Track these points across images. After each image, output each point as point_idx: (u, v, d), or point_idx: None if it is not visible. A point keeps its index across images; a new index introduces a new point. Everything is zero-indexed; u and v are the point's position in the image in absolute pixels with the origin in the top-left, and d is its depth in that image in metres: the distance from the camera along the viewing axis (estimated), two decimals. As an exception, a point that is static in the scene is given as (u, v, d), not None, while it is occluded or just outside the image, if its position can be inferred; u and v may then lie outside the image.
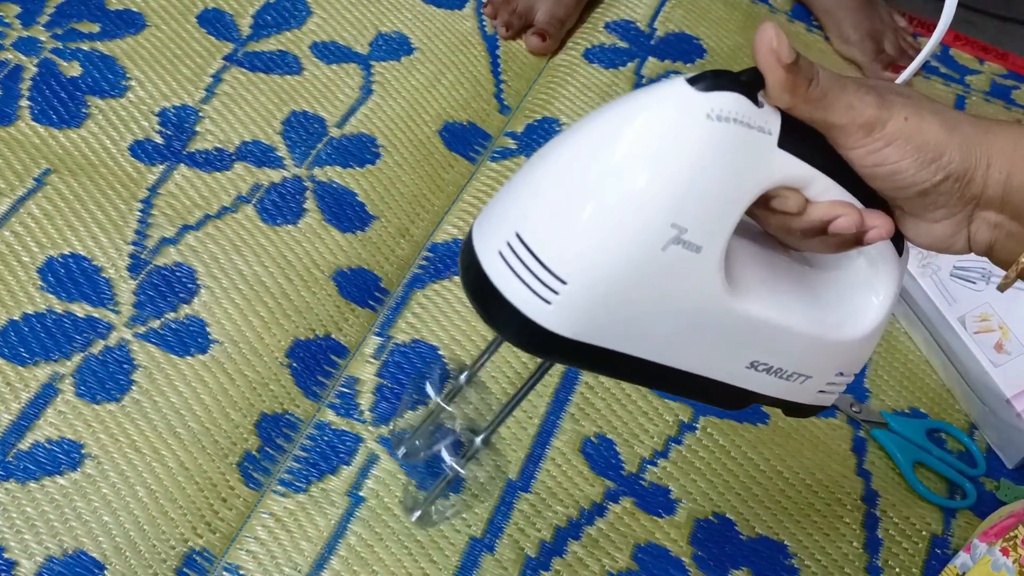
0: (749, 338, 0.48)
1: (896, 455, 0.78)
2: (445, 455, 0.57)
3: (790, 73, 0.43)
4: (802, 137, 0.45)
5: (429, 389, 0.60)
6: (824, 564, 0.73)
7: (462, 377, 0.58)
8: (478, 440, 0.57)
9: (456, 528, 0.71)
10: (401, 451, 0.65)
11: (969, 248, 0.49)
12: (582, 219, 0.43)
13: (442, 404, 0.59)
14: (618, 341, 0.46)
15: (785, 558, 0.73)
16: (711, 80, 0.43)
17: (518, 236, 0.44)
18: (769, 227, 0.49)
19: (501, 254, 0.44)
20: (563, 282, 0.43)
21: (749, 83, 0.43)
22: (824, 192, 0.46)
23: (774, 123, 0.44)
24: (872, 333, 0.52)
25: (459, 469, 0.58)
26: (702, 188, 0.43)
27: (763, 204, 0.46)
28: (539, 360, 0.52)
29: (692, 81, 0.43)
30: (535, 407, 0.77)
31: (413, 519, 0.68)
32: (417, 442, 0.62)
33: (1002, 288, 0.50)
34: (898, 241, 0.50)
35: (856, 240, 0.48)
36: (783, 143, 0.44)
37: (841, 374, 0.53)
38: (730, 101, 0.43)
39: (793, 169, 0.45)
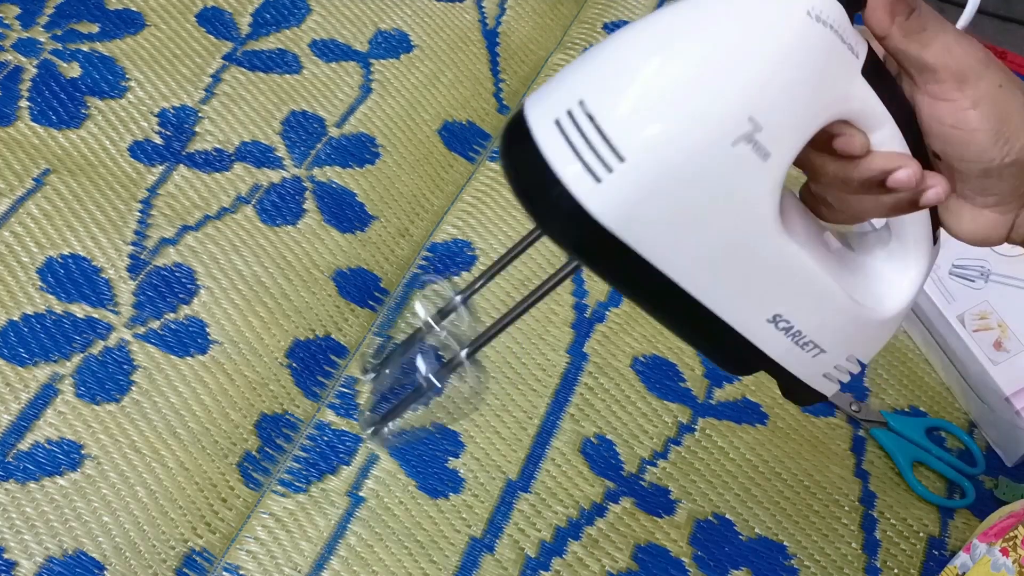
0: (783, 283, 0.46)
1: (895, 454, 0.78)
2: (420, 364, 0.52)
3: None
4: (882, 77, 0.44)
5: (418, 307, 0.55)
6: (823, 564, 0.73)
7: (457, 298, 0.54)
8: (463, 353, 0.51)
9: (456, 528, 0.72)
10: (368, 370, 0.58)
11: (1007, 239, 0.47)
12: (657, 92, 0.40)
13: (430, 321, 0.54)
14: (654, 248, 0.42)
15: (784, 559, 0.73)
16: None
17: (581, 103, 0.41)
18: (824, 177, 0.47)
19: (558, 122, 0.41)
20: (621, 158, 0.40)
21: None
22: (888, 142, 0.45)
23: (862, 48, 0.43)
24: (894, 317, 0.50)
25: (435, 381, 0.53)
26: (787, 86, 0.41)
27: (824, 146, 0.45)
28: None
29: None
30: (535, 407, 0.77)
31: (366, 433, 0.61)
32: (389, 362, 0.56)
33: None
34: (933, 229, 0.49)
35: (910, 203, 0.46)
36: (867, 72, 0.43)
37: (850, 359, 0.51)
38: (831, 6, 0.42)
39: (869, 103, 0.43)
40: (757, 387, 0.80)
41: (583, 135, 0.40)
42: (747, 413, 0.79)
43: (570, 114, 0.41)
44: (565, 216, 0.41)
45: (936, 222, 0.49)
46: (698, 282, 0.44)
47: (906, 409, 0.82)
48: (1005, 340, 0.80)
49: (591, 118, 0.40)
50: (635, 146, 0.40)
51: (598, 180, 0.40)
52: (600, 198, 0.40)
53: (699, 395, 0.79)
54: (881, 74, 0.44)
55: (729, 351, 0.48)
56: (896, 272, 0.50)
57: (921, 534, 0.76)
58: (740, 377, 0.80)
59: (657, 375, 0.80)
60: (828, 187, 0.48)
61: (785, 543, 0.74)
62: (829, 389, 0.52)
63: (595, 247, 0.42)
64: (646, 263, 0.42)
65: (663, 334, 0.82)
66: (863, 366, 0.52)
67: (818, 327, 0.48)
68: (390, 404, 0.53)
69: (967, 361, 0.80)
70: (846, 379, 0.52)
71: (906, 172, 0.44)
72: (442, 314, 0.54)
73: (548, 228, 0.43)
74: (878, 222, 0.53)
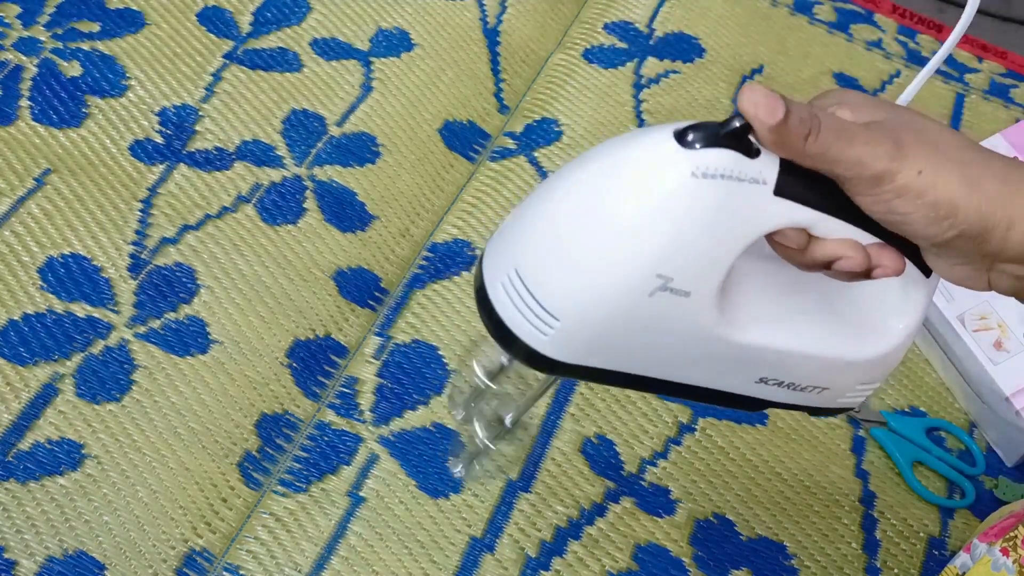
0: (754, 361, 0.48)
1: (895, 454, 0.78)
2: (478, 429, 0.59)
3: (780, 132, 0.42)
4: (804, 180, 0.44)
5: (477, 369, 0.61)
6: (823, 565, 0.74)
7: (504, 358, 0.58)
8: (508, 419, 0.58)
9: (456, 528, 0.72)
10: (456, 408, 0.66)
11: (990, 289, 0.48)
12: (571, 263, 0.44)
13: (488, 383, 0.60)
14: (620, 363, 0.47)
15: (785, 558, 0.73)
16: (698, 135, 0.42)
17: (516, 272, 0.45)
18: (777, 253, 0.48)
19: (503, 285, 0.46)
20: (556, 319, 0.45)
21: (739, 135, 0.42)
22: (831, 232, 0.46)
23: (770, 171, 0.43)
24: (895, 350, 0.51)
25: (489, 445, 0.59)
26: (687, 242, 0.43)
27: (769, 237, 0.46)
28: None
29: (680, 135, 0.43)
30: (535, 407, 0.77)
31: (457, 471, 0.72)
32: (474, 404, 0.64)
33: None
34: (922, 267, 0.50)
35: (865, 274, 0.47)
36: (781, 190, 0.43)
37: (862, 383, 0.52)
38: (717, 158, 0.42)
39: (793, 214, 0.44)
40: (757, 387, 0.80)
41: (522, 299, 0.45)
42: (747, 414, 0.79)
43: (510, 279, 0.46)
44: (532, 358, 0.47)
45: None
46: (671, 373, 0.48)
47: (906, 409, 0.82)
48: (1005, 340, 0.80)
49: (526, 286, 0.45)
50: (564, 309, 0.45)
51: (544, 334, 0.45)
52: (552, 346, 0.46)
53: (699, 395, 0.79)
54: (805, 177, 0.44)
55: (734, 404, 0.51)
56: (890, 304, 0.51)
57: (921, 534, 0.76)
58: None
59: (657, 375, 0.80)
60: (785, 260, 0.49)
61: (785, 543, 0.74)
62: (853, 402, 0.54)
63: (566, 372, 0.47)
64: (616, 372, 0.48)
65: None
66: (879, 383, 0.53)
67: (810, 378, 0.51)
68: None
69: (967, 361, 0.80)
70: (870, 393, 0.53)
71: (848, 262, 0.46)
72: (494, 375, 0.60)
73: (521, 361, 0.48)
74: None
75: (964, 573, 0.63)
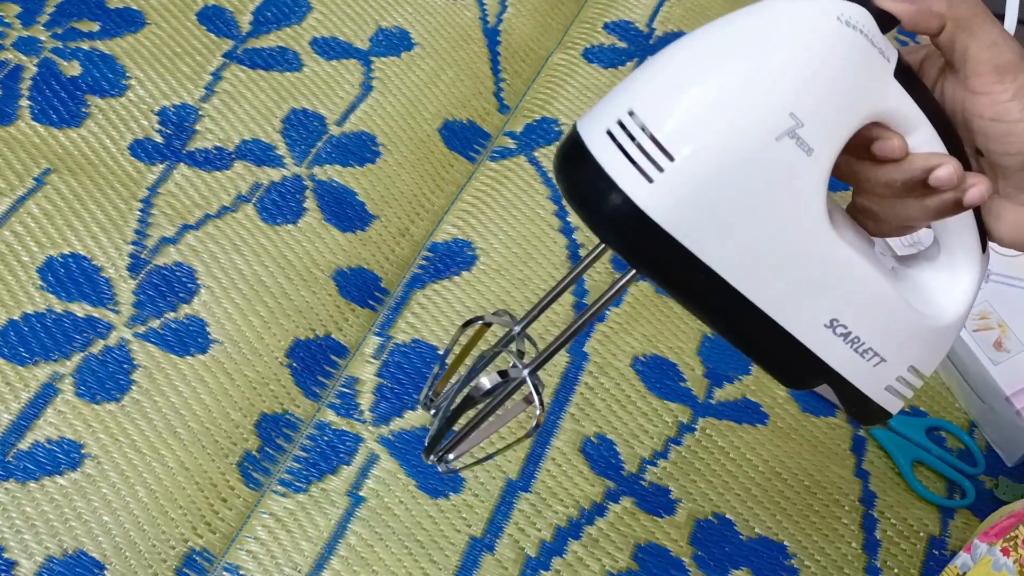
0: (837, 284, 0.47)
1: (895, 454, 0.78)
2: (485, 382, 0.53)
3: None
4: (915, 83, 0.45)
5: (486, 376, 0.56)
6: (824, 565, 0.73)
7: (516, 327, 0.55)
8: (525, 372, 0.52)
9: (456, 528, 0.72)
10: (427, 405, 0.59)
11: None
12: (700, 94, 0.43)
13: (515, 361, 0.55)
14: (706, 245, 0.44)
15: (785, 558, 0.73)
16: None
17: (630, 112, 0.43)
18: (867, 184, 0.48)
19: (609, 132, 0.44)
20: (670, 158, 0.42)
21: (877, 12, 0.44)
22: (925, 144, 0.46)
23: (892, 54, 0.45)
24: (951, 325, 0.51)
25: (496, 396, 0.53)
26: (824, 85, 0.43)
27: (864, 152, 0.46)
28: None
29: None
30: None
31: (430, 461, 0.60)
32: (448, 395, 0.57)
33: None
34: (980, 237, 0.50)
35: (954, 204, 0.47)
36: (899, 75, 0.45)
37: (911, 370, 0.51)
38: (859, 13, 0.44)
39: (903, 104, 0.45)
40: (757, 387, 0.80)
41: (634, 140, 0.43)
42: (747, 413, 0.79)
43: (620, 123, 0.43)
44: (622, 219, 0.43)
45: (983, 230, 0.49)
46: (751, 282, 0.45)
47: (906, 409, 0.82)
48: (1005, 340, 0.80)
49: (640, 124, 0.43)
50: (683, 144, 0.42)
51: (650, 180, 0.42)
52: (653, 197, 0.43)
53: (699, 395, 0.79)
54: (913, 80, 0.45)
55: (788, 359, 0.49)
56: (948, 284, 0.51)
57: (921, 534, 0.76)
58: (741, 377, 0.81)
59: (657, 375, 0.80)
60: (872, 195, 0.48)
61: (785, 543, 0.74)
62: (893, 405, 0.52)
63: (650, 247, 0.44)
64: (699, 262, 0.44)
65: (664, 334, 0.82)
66: (923, 380, 0.52)
67: (877, 332, 0.49)
68: (452, 434, 0.54)
69: (967, 361, 0.80)
70: (909, 395, 0.52)
71: (946, 169, 0.45)
72: (503, 344, 0.56)
73: (606, 234, 0.45)
74: (926, 239, 0.53)
75: (965, 573, 0.63)
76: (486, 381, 0.52)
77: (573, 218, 0.87)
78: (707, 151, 0.42)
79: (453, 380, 0.57)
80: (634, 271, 0.47)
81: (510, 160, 0.91)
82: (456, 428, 0.54)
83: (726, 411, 0.79)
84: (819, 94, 0.43)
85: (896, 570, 0.74)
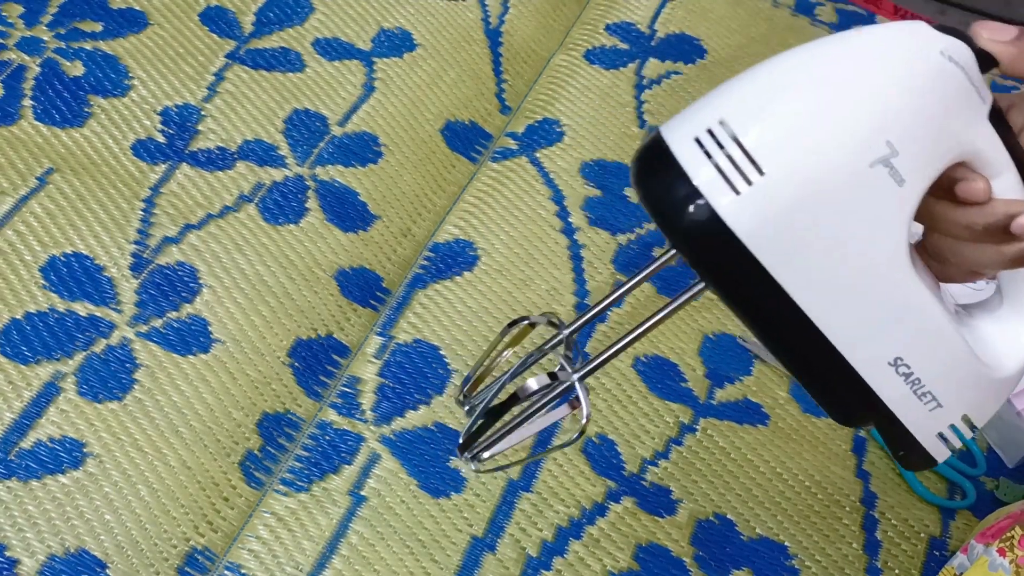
0: (908, 321, 0.46)
1: (896, 456, 0.78)
2: (533, 385, 0.51)
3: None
4: (1004, 127, 0.45)
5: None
6: (824, 565, 0.74)
7: (564, 331, 0.53)
8: (575, 376, 0.50)
9: (457, 527, 0.72)
10: (463, 403, 0.56)
11: None
12: (797, 111, 0.42)
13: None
14: (783, 266, 0.43)
15: (786, 559, 0.73)
16: (948, 29, 0.44)
17: (721, 123, 0.42)
18: (944, 224, 0.47)
19: (698, 139, 0.43)
20: (761, 172, 0.41)
21: (979, 51, 0.45)
22: (1009, 190, 0.46)
23: (988, 94, 0.45)
24: (1008, 378, 0.50)
25: (543, 401, 0.51)
26: (923, 116, 0.43)
27: (946, 193, 0.46)
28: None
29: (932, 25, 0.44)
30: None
31: (462, 459, 0.56)
32: (487, 393, 0.55)
33: None
34: None
35: None
36: (992, 118, 0.45)
37: (965, 419, 0.50)
38: (962, 50, 0.44)
39: (993, 148, 0.45)
40: (759, 388, 0.80)
41: (723, 150, 0.42)
42: (748, 413, 0.79)
43: (710, 132, 0.42)
44: (701, 228, 0.42)
45: None
46: (822, 309, 0.44)
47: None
48: (1006, 341, 0.80)
49: (732, 135, 0.42)
50: (775, 160, 0.41)
51: (737, 192, 0.41)
52: (737, 209, 0.42)
53: (700, 395, 0.80)
54: (1003, 125, 0.45)
55: (844, 393, 0.48)
56: (1009, 336, 0.50)
57: (922, 535, 0.76)
58: (742, 378, 0.81)
59: (659, 375, 0.80)
60: (947, 237, 0.48)
61: (786, 543, 0.74)
62: (940, 453, 0.51)
63: (725, 261, 0.43)
64: (772, 282, 0.43)
65: (664, 335, 0.82)
66: (974, 432, 0.51)
67: (938, 376, 0.48)
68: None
69: (968, 362, 0.80)
70: (957, 444, 0.51)
71: None
72: (550, 346, 0.54)
73: (682, 242, 0.44)
74: (986, 290, 0.53)
75: (962, 574, 0.64)
76: (534, 382, 0.51)
77: (574, 219, 0.87)
78: (799, 169, 0.42)
79: (487, 381, 0.56)
80: (701, 285, 0.46)
81: (512, 161, 0.91)
82: (489, 426, 0.52)
83: (727, 411, 0.79)
84: (917, 125, 0.42)
85: (897, 571, 0.74)
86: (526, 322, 0.54)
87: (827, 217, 0.42)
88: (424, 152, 0.91)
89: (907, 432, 0.49)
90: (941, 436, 0.50)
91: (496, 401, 0.52)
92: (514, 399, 0.51)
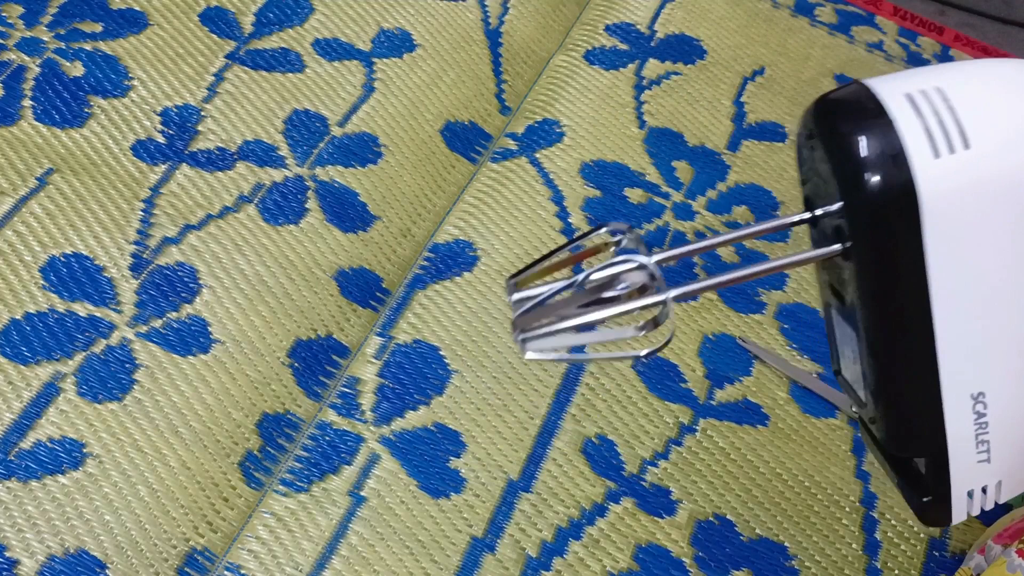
0: (1012, 357, 0.45)
1: (896, 456, 0.78)
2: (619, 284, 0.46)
3: None
4: None
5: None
6: (824, 566, 0.74)
7: (652, 259, 0.47)
8: (671, 294, 0.45)
9: (457, 528, 0.72)
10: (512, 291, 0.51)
11: None
12: (1017, 105, 0.42)
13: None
14: (943, 251, 0.42)
15: (785, 559, 0.73)
16: None
17: (939, 90, 0.42)
18: None
19: (910, 96, 0.42)
20: (967, 144, 0.41)
21: None
22: None
23: None
24: None
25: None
26: None
27: None
28: None
29: None
30: (536, 407, 0.77)
31: (517, 338, 0.51)
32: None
33: None
34: None
35: None
36: None
37: (997, 487, 0.49)
38: None
39: None
40: (758, 388, 0.80)
41: (936, 113, 0.41)
42: (748, 414, 0.79)
43: (924, 93, 0.42)
44: (886, 179, 0.41)
45: None
46: (950, 314, 0.43)
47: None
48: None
49: (947, 102, 0.41)
50: (986, 138, 0.41)
51: (937, 155, 0.41)
52: (930, 170, 0.41)
53: (700, 396, 0.80)
54: None
55: (916, 412, 0.46)
56: None
57: (922, 535, 0.76)
58: (742, 379, 0.81)
59: (658, 376, 0.80)
60: None
61: (786, 544, 0.74)
62: (960, 513, 0.49)
63: (892, 223, 0.42)
64: (921, 266, 0.42)
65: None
66: (996, 503, 0.50)
67: (1005, 427, 0.46)
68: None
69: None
70: (975, 512, 0.50)
71: None
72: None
73: (858, 190, 0.42)
74: None
75: (979, 574, 0.63)
76: (620, 282, 0.47)
77: (574, 219, 0.87)
78: (1005, 154, 0.41)
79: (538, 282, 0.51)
80: (839, 248, 0.44)
81: (511, 161, 0.91)
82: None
83: (727, 412, 0.79)
84: None
85: (896, 571, 0.74)
86: (604, 230, 0.50)
87: (1010, 215, 0.42)
88: (424, 152, 0.91)
89: (947, 477, 0.48)
90: (970, 494, 0.49)
91: (560, 296, 0.48)
92: (587, 294, 0.48)
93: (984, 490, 0.48)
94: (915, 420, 0.46)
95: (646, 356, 0.48)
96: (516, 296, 0.50)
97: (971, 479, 0.48)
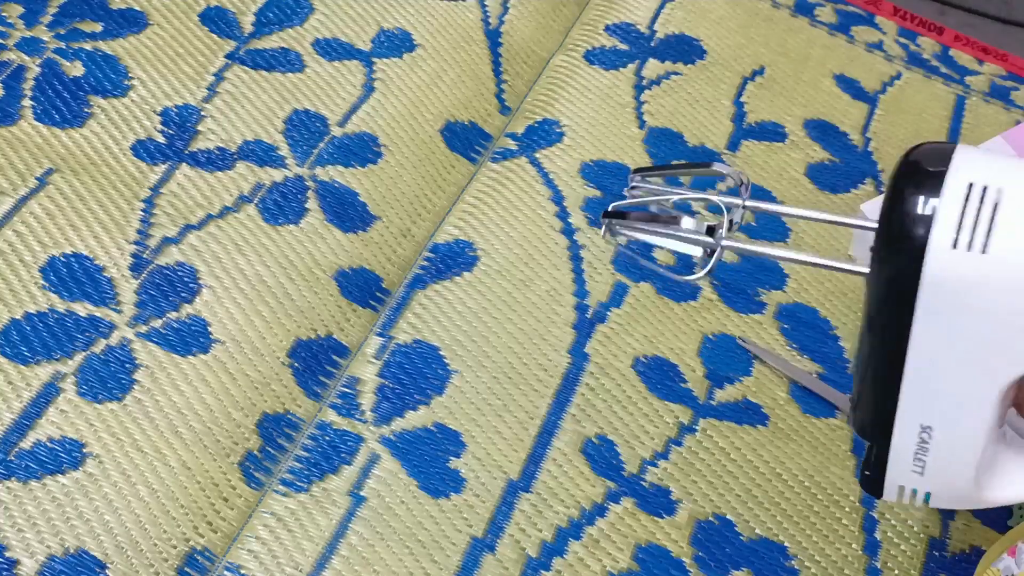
0: (966, 414, 0.50)
1: (896, 456, 0.78)
2: (688, 223, 0.54)
3: None
4: None
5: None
6: (824, 566, 0.74)
7: (745, 203, 0.55)
8: (722, 241, 0.54)
9: (457, 528, 0.72)
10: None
11: None
12: None
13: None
14: (927, 321, 0.47)
15: (785, 559, 0.73)
16: None
17: (1000, 191, 0.44)
18: None
19: (970, 185, 0.45)
20: (984, 251, 0.44)
21: None
22: None
23: None
24: (984, 500, 0.54)
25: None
26: None
27: None
28: None
29: None
30: (536, 408, 0.77)
31: (602, 232, 0.60)
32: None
33: None
34: None
35: None
36: None
37: (926, 496, 0.54)
38: None
39: None
40: (758, 389, 0.80)
41: (978, 211, 0.44)
42: (748, 414, 0.79)
43: (985, 188, 0.44)
44: (905, 242, 0.46)
45: None
46: (919, 362, 0.49)
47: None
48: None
49: (996, 205, 0.44)
50: (1005, 248, 0.44)
51: (955, 246, 0.44)
52: (943, 259, 0.45)
53: (700, 396, 0.80)
54: None
55: (876, 415, 0.52)
56: (1011, 475, 0.53)
57: (922, 535, 0.76)
58: (742, 379, 0.81)
59: (658, 376, 0.80)
60: None
61: (786, 544, 0.74)
62: (891, 497, 0.55)
63: (896, 280, 0.47)
64: (908, 320, 0.47)
65: (665, 335, 0.82)
66: (925, 503, 0.55)
67: (942, 459, 0.52)
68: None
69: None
70: (906, 503, 0.55)
71: None
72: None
73: (885, 243, 0.47)
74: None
75: None
76: (690, 222, 0.54)
77: (574, 219, 0.88)
78: (1014, 271, 0.44)
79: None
80: (866, 271, 0.49)
81: (511, 161, 0.91)
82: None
83: (727, 412, 0.79)
84: None
85: (896, 571, 0.74)
86: (714, 166, 0.57)
87: (991, 313, 0.45)
88: (424, 152, 0.91)
89: (884, 469, 0.54)
90: (901, 489, 0.55)
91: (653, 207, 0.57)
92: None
93: (914, 492, 0.54)
94: (872, 418, 0.53)
95: (696, 277, 0.56)
96: (633, 183, 0.59)
97: (903, 480, 0.54)
